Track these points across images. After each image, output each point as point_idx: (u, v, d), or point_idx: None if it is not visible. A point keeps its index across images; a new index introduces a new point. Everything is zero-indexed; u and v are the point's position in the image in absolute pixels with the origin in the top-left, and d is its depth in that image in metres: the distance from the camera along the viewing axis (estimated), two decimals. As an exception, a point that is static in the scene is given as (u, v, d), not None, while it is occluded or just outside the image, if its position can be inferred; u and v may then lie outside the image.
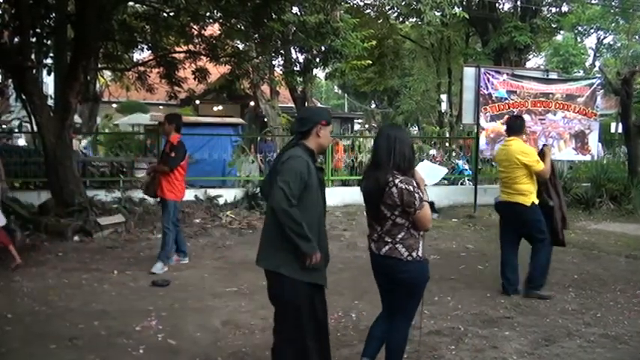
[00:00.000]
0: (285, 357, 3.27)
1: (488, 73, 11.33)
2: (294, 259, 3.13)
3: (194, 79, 11.55)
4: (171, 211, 6.57)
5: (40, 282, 6.04)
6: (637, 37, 28.02)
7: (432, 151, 17.35)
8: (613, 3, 23.81)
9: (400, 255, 3.36)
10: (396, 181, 3.24)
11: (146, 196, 7.26)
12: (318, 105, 29.02)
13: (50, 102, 10.84)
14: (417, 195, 3.25)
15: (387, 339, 3.54)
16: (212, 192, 11.04)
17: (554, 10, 19.68)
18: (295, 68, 12.29)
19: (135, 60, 13.93)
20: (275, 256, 3.17)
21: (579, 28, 27.12)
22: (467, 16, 15.95)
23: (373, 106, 41.55)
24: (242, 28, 10.79)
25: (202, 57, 11.30)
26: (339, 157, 13.47)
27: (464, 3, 17.87)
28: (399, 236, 3.37)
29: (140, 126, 21.87)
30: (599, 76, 13.25)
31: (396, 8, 18.25)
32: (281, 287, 3.19)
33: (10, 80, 10.51)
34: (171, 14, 10.65)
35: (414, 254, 3.37)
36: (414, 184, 3.28)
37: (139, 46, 12.23)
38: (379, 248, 3.42)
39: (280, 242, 3.13)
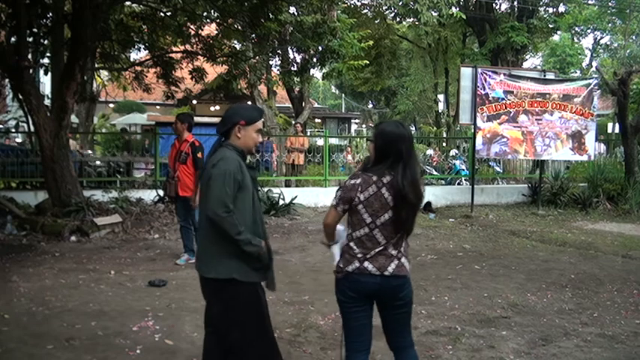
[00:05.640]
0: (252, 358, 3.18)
1: (485, 74, 11.35)
2: (245, 263, 3.05)
3: (191, 79, 11.54)
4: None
5: (37, 282, 6.03)
6: (634, 37, 28.06)
7: (429, 151, 17.39)
8: (610, 3, 23.85)
9: (406, 271, 3.03)
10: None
11: (167, 197, 7.52)
12: (315, 105, 29.01)
13: (47, 102, 10.82)
14: None
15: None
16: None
17: (551, 10, 19.70)
18: (292, 68, 12.28)
19: (132, 60, 13.92)
20: (224, 263, 3.04)
21: (576, 29, 27.09)
22: (464, 17, 15.96)
23: (370, 106, 41.64)
24: (239, 28, 10.79)
25: (199, 57, 11.29)
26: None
27: (461, 3, 17.89)
28: (403, 248, 3.04)
29: (137, 126, 21.90)
30: (596, 76, 13.29)
31: (393, 8, 18.26)
32: (237, 292, 3.07)
33: (6, 80, 10.46)
34: (169, 14, 10.63)
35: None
36: None
37: (136, 46, 12.22)
38: (383, 267, 2.96)
39: (227, 247, 3.02)
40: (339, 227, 3.18)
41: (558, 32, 25.57)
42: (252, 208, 3.13)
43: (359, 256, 2.97)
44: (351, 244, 3.01)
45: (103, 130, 18.21)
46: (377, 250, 2.96)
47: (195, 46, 11.12)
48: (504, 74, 11.64)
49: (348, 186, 2.99)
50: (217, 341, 3.18)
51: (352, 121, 35.42)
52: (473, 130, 11.47)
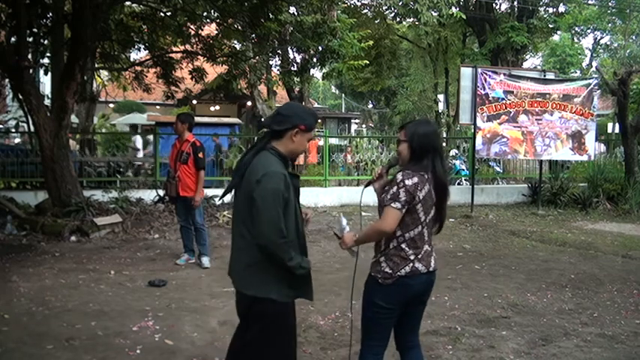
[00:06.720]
0: None
1: (485, 74, 11.35)
2: (285, 283, 2.85)
3: (191, 79, 11.54)
4: (202, 208, 7.06)
5: (37, 282, 6.03)
6: (634, 37, 28.08)
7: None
8: (610, 3, 23.86)
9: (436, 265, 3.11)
10: None
11: (167, 198, 7.59)
12: (315, 105, 29.01)
13: (47, 102, 10.83)
14: None
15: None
16: (209, 192, 11.02)
17: (551, 10, 19.71)
18: (292, 68, 12.28)
19: (132, 60, 13.91)
20: (264, 282, 2.83)
21: (576, 29, 27.11)
22: (464, 17, 15.96)
23: (370, 106, 41.62)
24: (239, 28, 10.79)
25: (199, 57, 11.30)
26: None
27: (461, 3, 17.88)
28: (432, 241, 3.10)
29: (137, 126, 21.87)
30: (596, 76, 13.29)
31: (393, 8, 18.27)
32: (270, 311, 2.87)
33: (6, 80, 10.47)
34: (169, 14, 10.64)
35: None
36: None
37: (136, 46, 12.22)
38: (428, 264, 3.00)
39: (268, 267, 2.80)
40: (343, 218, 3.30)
41: (558, 32, 25.57)
42: (296, 222, 2.89)
43: (411, 257, 2.95)
44: (403, 245, 2.95)
45: (103, 130, 18.17)
46: (424, 248, 2.99)
47: (195, 46, 11.13)
48: (504, 74, 11.64)
49: (410, 186, 2.90)
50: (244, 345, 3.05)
51: (352, 121, 35.36)
52: (473, 130, 11.47)
